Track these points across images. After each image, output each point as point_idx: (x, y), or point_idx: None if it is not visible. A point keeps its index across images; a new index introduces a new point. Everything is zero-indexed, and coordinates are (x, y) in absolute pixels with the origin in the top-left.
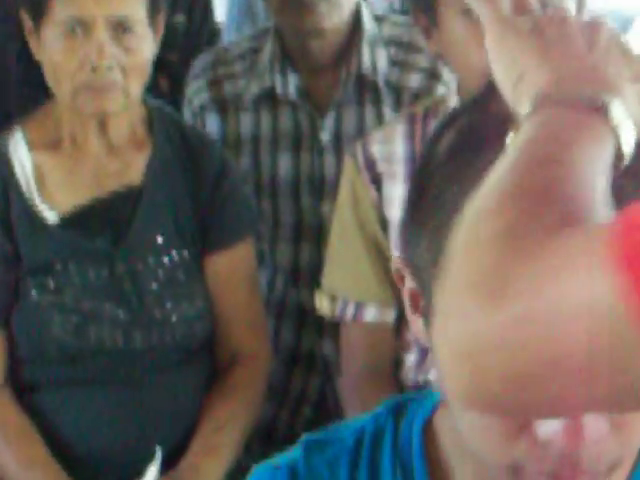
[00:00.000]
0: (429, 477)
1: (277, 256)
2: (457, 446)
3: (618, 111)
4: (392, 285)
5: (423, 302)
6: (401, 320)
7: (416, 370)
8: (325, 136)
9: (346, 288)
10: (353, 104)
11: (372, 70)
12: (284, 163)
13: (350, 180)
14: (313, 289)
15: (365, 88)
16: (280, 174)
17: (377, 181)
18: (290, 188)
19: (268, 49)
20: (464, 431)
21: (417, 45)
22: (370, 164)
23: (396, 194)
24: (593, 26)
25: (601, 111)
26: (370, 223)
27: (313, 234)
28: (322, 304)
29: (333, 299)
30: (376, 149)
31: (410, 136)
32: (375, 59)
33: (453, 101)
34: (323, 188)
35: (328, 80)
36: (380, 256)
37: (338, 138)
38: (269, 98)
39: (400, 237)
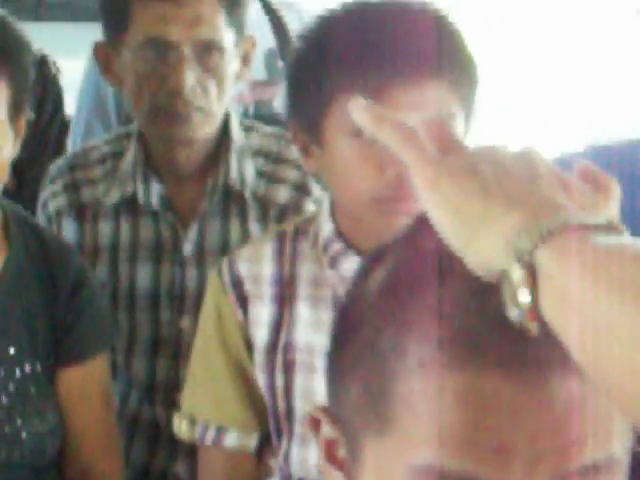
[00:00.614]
0: None
1: (132, 370)
2: None
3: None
4: (255, 410)
5: (345, 451)
6: (263, 445)
7: None
8: (187, 248)
9: (206, 411)
10: (218, 216)
11: (239, 182)
12: (143, 274)
13: (215, 298)
14: (168, 406)
15: (231, 200)
16: (138, 286)
17: (243, 301)
18: (148, 301)
19: (131, 154)
20: None
21: (286, 158)
22: (236, 283)
23: (262, 315)
24: (527, 158)
25: (612, 227)
26: (234, 345)
27: (171, 349)
28: (180, 426)
29: (192, 422)
30: (243, 268)
31: (279, 256)
32: (242, 171)
33: (324, 220)
34: (183, 302)
35: (193, 190)
36: (244, 380)
37: (201, 251)
38: (130, 206)
39: (326, 383)
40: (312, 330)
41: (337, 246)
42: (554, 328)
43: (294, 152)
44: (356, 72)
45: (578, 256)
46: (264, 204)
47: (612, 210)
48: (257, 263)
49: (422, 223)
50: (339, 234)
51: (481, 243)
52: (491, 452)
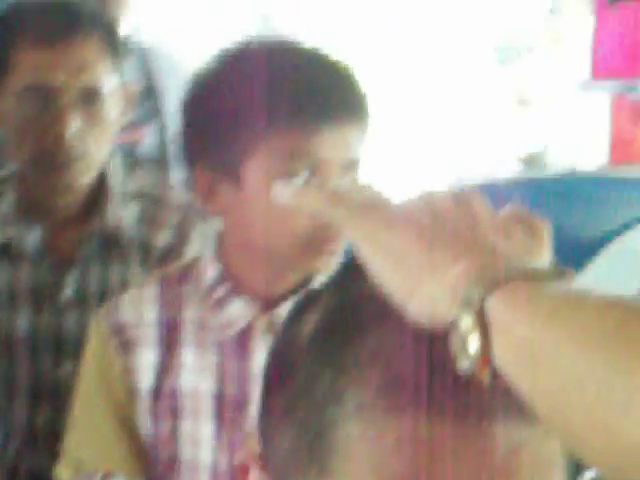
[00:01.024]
0: None
1: (11, 419)
2: None
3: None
4: (140, 455)
5: None
6: None
7: None
8: (66, 294)
9: (90, 458)
10: (98, 261)
11: (119, 226)
12: (22, 320)
13: (96, 345)
14: (49, 454)
15: (111, 245)
16: (17, 332)
17: (126, 347)
18: (27, 347)
19: (8, 199)
20: None
21: (167, 201)
22: (118, 329)
23: (147, 361)
24: (464, 202)
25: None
26: (117, 391)
27: (51, 396)
28: (63, 474)
29: (75, 469)
30: (125, 313)
31: (160, 300)
32: (122, 215)
33: (209, 262)
34: (63, 348)
35: (73, 235)
36: (128, 426)
37: (80, 297)
38: (8, 251)
39: (258, 429)
40: (197, 375)
41: (223, 289)
42: (507, 376)
43: (174, 195)
44: (283, 116)
45: (530, 304)
46: (144, 248)
47: (546, 253)
48: (140, 308)
49: (349, 269)
50: (227, 276)
51: (426, 293)
52: None
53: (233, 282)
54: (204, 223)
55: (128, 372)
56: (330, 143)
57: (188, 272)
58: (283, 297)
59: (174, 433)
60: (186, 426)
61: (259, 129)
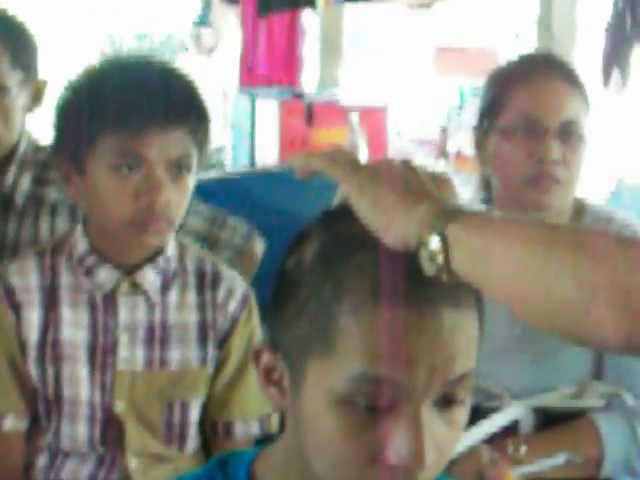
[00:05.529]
0: None
1: None
2: None
3: None
4: (27, 398)
5: (280, 373)
6: (33, 427)
7: (46, 471)
8: None
9: None
10: None
11: (14, 188)
12: None
13: None
14: None
15: (8, 205)
16: None
17: (16, 307)
18: None
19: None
20: (317, 466)
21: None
22: (9, 292)
23: (33, 319)
24: (408, 166)
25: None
26: (10, 344)
27: None
28: None
29: None
30: (13, 280)
31: (41, 269)
32: (20, 178)
33: (78, 237)
34: None
35: None
36: (19, 372)
37: None
38: None
39: (268, 328)
40: (74, 328)
41: (91, 259)
42: (464, 275)
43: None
44: (117, 120)
45: (479, 227)
46: (37, 203)
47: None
48: (24, 275)
49: (340, 213)
50: (93, 249)
51: (399, 225)
52: (404, 362)
53: (99, 253)
54: None
55: (18, 328)
56: (154, 144)
57: (61, 246)
58: (140, 265)
59: (58, 375)
60: (67, 369)
61: (99, 129)
